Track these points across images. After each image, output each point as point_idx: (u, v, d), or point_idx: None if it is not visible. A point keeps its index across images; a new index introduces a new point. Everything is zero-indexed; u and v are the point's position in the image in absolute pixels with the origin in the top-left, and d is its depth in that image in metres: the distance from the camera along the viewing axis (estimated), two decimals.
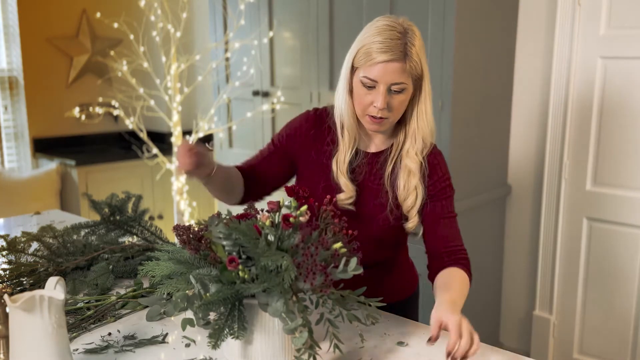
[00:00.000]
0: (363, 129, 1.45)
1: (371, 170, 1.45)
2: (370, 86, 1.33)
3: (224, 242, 1.10)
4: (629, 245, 2.54)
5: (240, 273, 1.07)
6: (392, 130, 1.46)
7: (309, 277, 1.05)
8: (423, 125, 1.41)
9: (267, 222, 1.13)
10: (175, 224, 1.18)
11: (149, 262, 1.26)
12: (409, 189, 1.41)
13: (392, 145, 1.46)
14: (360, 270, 1.11)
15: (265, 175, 1.52)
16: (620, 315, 2.60)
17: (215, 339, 1.08)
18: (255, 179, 1.51)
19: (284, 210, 1.19)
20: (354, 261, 1.12)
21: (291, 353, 1.16)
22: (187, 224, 3.61)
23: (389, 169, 1.44)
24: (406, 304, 1.61)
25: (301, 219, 1.13)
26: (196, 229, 1.19)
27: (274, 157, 1.52)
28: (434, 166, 1.45)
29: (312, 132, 1.48)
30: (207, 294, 1.06)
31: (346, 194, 1.43)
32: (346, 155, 1.43)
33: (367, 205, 1.45)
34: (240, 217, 1.19)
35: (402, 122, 1.44)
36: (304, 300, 1.10)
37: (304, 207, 1.15)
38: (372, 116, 1.36)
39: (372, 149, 1.47)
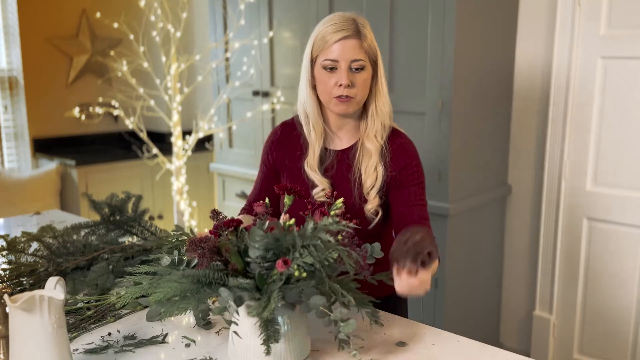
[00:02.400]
0: (329, 125, 1.51)
1: (341, 165, 1.51)
2: (333, 67, 1.40)
3: (260, 252, 1.10)
4: (629, 245, 2.54)
5: (296, 273, 1.07)
6: (356, 124, 1.51)
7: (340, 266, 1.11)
8: (381, 106, 1.47)
9: (292, 222, 1.16)
10: (189, 239, 1.13)
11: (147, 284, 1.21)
12: (370, 170, 1.46)
13: (359, 139, 1.51)
14: (381, 254, 1.20)
15: (271, 194, 1.57)
16: (620, 315, 2.60)
17: (272, 341, 1.08)
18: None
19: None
20: (377, 246, 1.22)
21: (293, 353, 1.16)
22: (186, 223, 3.61)
23: (357, 160, 1.49)
24: (394, 300, 1.59)
25: (337, 211, 1.17)
26: (210, 240, 1.15)
27: (270, 174, 1.60)
28: (402, 153, 1.49)
29: (283, 142, 1.56)
30: (272, 302, 1.05)
31: (320, 187, 1.48)
32: (315, 151, 1.49)
33: (346, 200, 1.47)
34: (227, 223, 1.19)
35: (363, 113, 1.50)
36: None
37: (340, 200, 1.20)
38: (338, 97, 1.42)
39: (340, 146, 1.53)
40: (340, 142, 1.53)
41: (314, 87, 1.48)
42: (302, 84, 1.50)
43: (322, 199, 1.47)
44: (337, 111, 1.46)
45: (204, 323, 1.37)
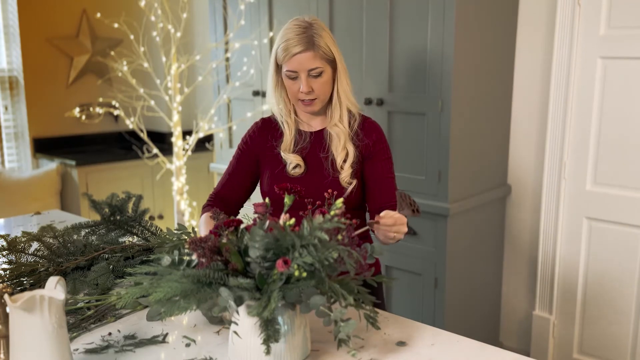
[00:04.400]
0: (301, 113, 1.72)
1: (315, 145, 1.70)
2: (294, 77, 1.61)
3: (260, 252, 1.10)
4: (629, 245, 2.54)
5: (296, 272, 1.07)
6: (325, 111, 1.71)
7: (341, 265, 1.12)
8: (343, 97, 1.67)
9: (292, 221, 1.15)
10: (190, 239, 1.14)
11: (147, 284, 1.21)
12: (339, 149, 1.66)
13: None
14: (382, 254, 1.26)
15: (242, 179, 1.76)
16: (620, 315, 2.60)
17: (272, 341, 1.08)
18: (235, 189, 1.76)
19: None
20: (377, 246, 1.25)
21: (293, 353, 1.17)
22: (187, 223, 3.61)
23: (327, 141, 1.70)
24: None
25: (337, 211, 1.17)
26: (210, 240, 1.16)
27: (244, 158, 1.76)
28: (371, 130, 1.70)
29: (264, 134, 1.75)
30: (272, 302, 1.05)
31: (293, 163, 1.67)
32: (288, 136, 1.69)
33: (318, 173, 1.67)
34: (228, 223, 1.19)
35: (329, 102, 1.69)
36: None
37: (340, 200, 1.21)
38: (302, 100, 1.63)
39: (314, 128, 1.73)
40: (314, 126, 1.73)
41: (282, 88, 1.68)
42: (269, 86, 1.70)
43: (297, 174, 1.66)
44: (304, 111, 1.68)
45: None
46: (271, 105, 1.73)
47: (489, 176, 2.77)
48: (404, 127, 2.59)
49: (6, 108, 4.03)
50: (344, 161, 1.65)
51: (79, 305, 1.45)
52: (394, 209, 1.65)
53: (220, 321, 1.37)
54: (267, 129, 1.75)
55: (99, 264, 1.58)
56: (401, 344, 1.30)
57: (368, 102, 2.66)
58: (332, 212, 1.17)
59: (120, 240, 1.75)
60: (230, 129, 3.48)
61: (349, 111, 1.69)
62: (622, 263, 2.57)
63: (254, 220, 1.22)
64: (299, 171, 1.67)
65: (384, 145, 1.71)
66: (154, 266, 1.23)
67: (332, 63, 1.62)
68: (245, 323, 1.14)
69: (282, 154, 1.69)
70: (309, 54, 1.58)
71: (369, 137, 1.68)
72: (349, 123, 1.68)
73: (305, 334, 1.21)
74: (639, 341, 2.56)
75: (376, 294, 1.67)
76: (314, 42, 1.58)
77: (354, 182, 1.66)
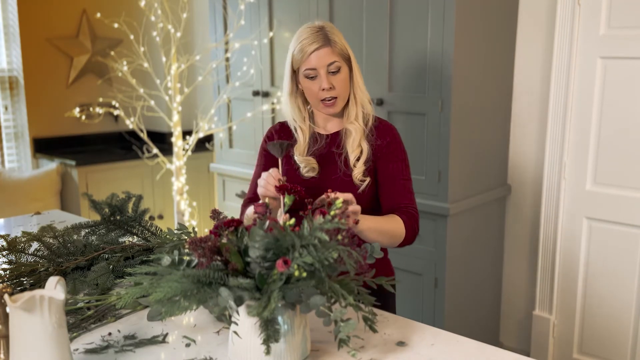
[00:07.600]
0: (318, 117, 1.73)
1: (331, 146, 1.71)
2: (313, 75, 1.61)
3: (260, 252, 1.10)
4: (629, 245, 2.54)
5: (296, 272, 1.07)
6: (341, 113, 1.71)
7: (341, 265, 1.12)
8: (359, 94, 1.68)
9: (292, 221, 1.15)
10: (189, 239, 1.15)
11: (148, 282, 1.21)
12: (354, 146, 1.67)
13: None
14: (381, 255, 1.26)
15: None
16: (620, 315, 2.60)
17: (271, 341, 1.08)
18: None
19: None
20: (377, 246, 1.25)
21: (293, 353, 1.17)
22: (187, 223, 3.61)
23: (343, 140, 1.70)
24: (381, 293, 1.62)
25: (337, 211, 1.17)
26: (210, 240, 1.16)
27: (266, 159, 1.76)
28: (385, 132, 1.70)
29: (282, 133, 1.76)
30: (272, 302, 1.06)
31: (305, 166, 1.68)
32: (302, 142, 1.70)
33: (333, 174, 1.67)
34: (228, 223, 1.19)
35: (346, 101, 1.70)
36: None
37: (340, 200, 1.20)
38: (324, 101, 1.63)
39: (330, 130, 1.74)
40: (331, 128, 1.73)
41: (298, 95, 1.69)
42: (285, 93, 1.70)
43: (309, 175, 1.67)
44: (326, 113, 1.67)
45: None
46: (285, 113, 1.74)
47: (489, 176, 2.77)
48: (404, 127, 2.59)
49: (6, 108, 4.03)
50: (357, 159, 1.65)
51: (79, 305, 1.45)
52: (401, 208, 1.65)
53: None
54: (284, 133, 1.75)
55: (99, 264, 1.58)
56: (401, 344, 1.30)
57: None
58: (332, 213, 1.17)
59: (120, 240, 1.75)
60: (230, 129, 3.48)
61: (363, 110, 1.71)
62: (622, 263, 2.57)
63: (254, 220, 1.22)
64: (312, 174, 1.68)
65: (398, 147, 1.70)
66: (154, 266, 1.22)
67: (348, 62, 1.64)
68: (245, 323, 1.14)
69: (295, 157, 1.69)
70: (326, 50, 1.60)
71: (382, 138, 1.68)
72: (364, 121, 1.70)
73: (305, 334, 1.21)
74: (639, 341, 2.56)
75: (385, 300, 1.65)
76: (329, 38, 1.61)
77: (368, 179, 1.65)
